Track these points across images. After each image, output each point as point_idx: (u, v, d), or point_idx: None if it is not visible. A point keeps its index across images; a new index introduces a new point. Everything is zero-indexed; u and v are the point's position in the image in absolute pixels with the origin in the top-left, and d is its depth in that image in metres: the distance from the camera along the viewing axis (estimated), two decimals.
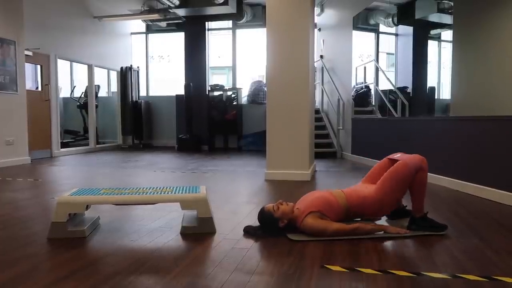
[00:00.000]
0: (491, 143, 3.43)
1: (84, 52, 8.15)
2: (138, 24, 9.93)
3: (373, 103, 6.73)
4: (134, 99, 9.30)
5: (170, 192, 2.45)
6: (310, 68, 4.52)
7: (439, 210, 3.02)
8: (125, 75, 9.17)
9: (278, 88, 4.50)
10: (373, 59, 6.84)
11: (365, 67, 6.97)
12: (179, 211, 2.58)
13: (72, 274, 1.80)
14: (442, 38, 5.57)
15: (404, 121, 5.18)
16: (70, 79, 10.13)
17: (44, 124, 7.09)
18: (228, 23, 9.48)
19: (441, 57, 5.54)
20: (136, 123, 9.29)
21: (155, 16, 8.36)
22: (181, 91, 8.79)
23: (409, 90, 5.78)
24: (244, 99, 9.34)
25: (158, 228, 2.54)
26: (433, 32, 5.72)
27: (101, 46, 8.77)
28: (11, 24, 5.93)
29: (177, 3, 7.96)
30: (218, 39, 10.01)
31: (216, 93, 9.08)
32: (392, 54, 6.66)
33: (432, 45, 5.87)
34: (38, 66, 7.13)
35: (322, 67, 8.50)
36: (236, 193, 3.93)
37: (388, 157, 2.61)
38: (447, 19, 5.21)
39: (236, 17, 8.71)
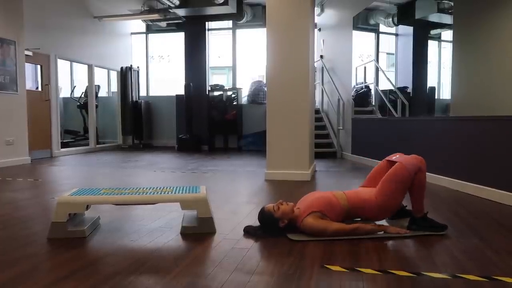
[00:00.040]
0: (491, 143, 3.43)
1: (84, 52, 8.16)
2: (138, 24, 9.93)
3: (373, 103, 6.73)
4: (134, 99, 9.31)
5: (170, 192, 2.45)
6: (310, 68, 4.52)
7: (439, 210, 3.02)
8: (125, 75, 9.17)
9: (278, 88, 4.50)
10: (373, 59, 6.84)
11: (365, 67, 6.97)
12: (179, 211, 2.58)
13: (72, 274, 1.80)
14: (442, 38, 5.57)
15: (404, 121, 5.18)
16: (70, 79, 10.13)
17: (44, 124, 7.09)
18: (228, 23, 9.48)
19: (441, 57, 5.54)
20: (136, 123, 9.29)
21: (155, 16, 8.37)
22: (181, 91, 8.79)
23: (409, 90, 5.78)
24: (244, 99, 9.34)
25: (158, 228, 2.54)
26: (433, 32, 5.71)
27: (101, 46, 8.77)
28: (11, 24, 5.93)
29: (177, 3, 7.96)
30: (218, 39, 10.01)
31: (216, 93, 9.08)
32: (392, 54, 6.66)
33: (432, 45, 5.87)
34: (38, 66, 7.13)
35: (322, 67, 8.50)
36: (236, 193, 3.93)
37: (386, 158, 2.61)
38: (447, 19, 5.21)
39: (236, 17, 8.71)
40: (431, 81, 5.76)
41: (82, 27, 8.11)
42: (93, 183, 4.51)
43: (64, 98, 9.33)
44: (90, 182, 4.60)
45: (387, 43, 6.90)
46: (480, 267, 1.88)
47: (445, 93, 5.38)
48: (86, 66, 8.46)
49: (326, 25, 8.54)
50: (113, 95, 9.85)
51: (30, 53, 6.53)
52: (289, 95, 4.47)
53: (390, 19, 6.39)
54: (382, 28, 6.83)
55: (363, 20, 6.79)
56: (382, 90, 6.33)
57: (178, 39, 9.50)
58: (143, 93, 9.96)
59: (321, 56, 8.59)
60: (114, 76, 9.55)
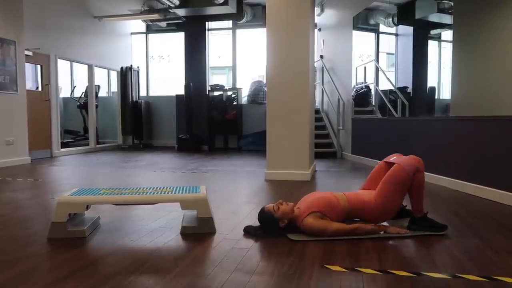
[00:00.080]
0: (491, 143, 3.43)
1: (84, 52, 8.16)
2: (138, 24, 9.93)
3: (373, 103, 6.73)
4: (134, 99, 9.31)
5: (170, 192, 2.45)
6: (310, 68, 4.52)
7: (439, 210, 3.02)
8: (125, 75, 9.17)
9: (278, 88, 4.50)
10: (373, 59, 6.84)
11: (365, 67, 6.97)
12: (179, 211, 2.58)
13: (72, 274, 1.80)
14: (442, 38, 5.57)
15: (404, 121, 5.18)
16: (70, 79, 10.13)
17: (44, 124, 7.09)
18: (228, 23, 9.48)
19: (441, 57, 5.54)
20: (136, 123, 9.29)
21: (155, 16, 8.37)
22: (181, 91, 8.79)
23: (409, 90, 5.78)
24: (244, 99, 9.34)
25: (158, 228, 2.54)
26: (433, 32, 5.71)
27: (101, 46, 8.77)
28: (11, 24, 5.93)
29: (177, 3, 7.96)
30: (218, 39, 10.01)
31: (216, 93, 9.08)
32: (392, 54, 6.66)
33: (432, 45, 5.87)
34: (38, 66, 7.13)
35: (322, 67, 8.50)
36: (236, 193, 3.93)
37: (384, 160, 2.61)
38: (447, 19, 5.21)
39: (236, 17, 8.71)
40: (431, 81, 5.76)
41: (82, 27, 8.11)
42: (93, 183, 4.51)
43: (64, 98, 9.33)
44: (90, 182, 4.60)
45: (387, 43, 6.90)
46: (480, 267, 1.88)
47: (445, 93, 5.38)
48: (86, 66, 8.46)
49: (326, 25, 8.54)
50: (113, 95, 9.85)
51: (30, 53, 6.53)
52: (289, 95, 4.47)
53: (390, 19, 6.39)
54: (382, 28, 6.83)
55: (363, 20, 6.79)
56: (382, 90, 6.33)
57: (178, 39, 9.50)
58: (143, 93, 9.96)
59: (321, 56, 8.59)
60: (114, 76, 9.55)
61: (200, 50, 8.92)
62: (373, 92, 6.77)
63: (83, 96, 9.04)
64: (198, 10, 8.29)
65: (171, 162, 6.37)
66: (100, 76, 9.24)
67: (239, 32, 9.51)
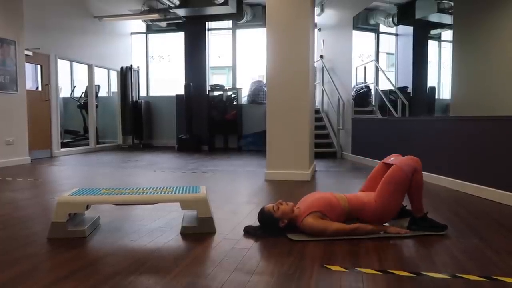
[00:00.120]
0: (491, 143, 3.43)
1: (84, 52, 8.16)
2: (138, 24, 9.93)
3: (373, 103, 6.73)
4: (134, 99, 9.31)
5: (170, 192, 2.45)
6: (310, 68, 4.52)
7: (439, 210, 3.02)
8: (125, 75, 9.17)
9: (278, 88, 4.50)
10: (373, 59, 6.84)
11: (365, 67, 6.97)
12: (179, 211, 2.58)
13: (72, 274, 1.80)
14: (442, 38, 5.57)
15: (404, 121, 5.18)
16: (70, 79, 10.14)
17: (44, 124, 7.09)
18: (228, 23, 9.48)
19: (441, 57, 5.54)
20: (136, 123, 9.29)
21: (155, 16, 8.37)
22: (181, 91, 8.79)
23: (409, 90, 5.78)
24: (244, 99, 9.34)
25: (158, 228, 2.54)
26: (433, 32, 5.71)
27: (101, 46, 8.77)
28: (11, 24, 5.93)
29: (177, 3, 7.97)
30: (218, 39, 10.01)
31: (216, 93, 9.08)
32: (392, 54, 6.66)
33: (432, 45, 5.87)
34: (38, 66, 7.13)
35: (322, 67, 8.50)
36: (236, 193, 3.93)
37: (382, 161, 2.61)
38: (447, 19, 5.21)
39: (236, 17, 8.71)
40: (431, 81, 5.76)
41: (82, 27, 8.11)
42: (93, 183, 4.51)
43: (64, 98, 9.33)
44: (90, 182, 4.60)
45: (387, 43, 6.90)
46: (480, 267, 1.88)
47: (445, 93, 5.38)
48: (86, 66, 8.46)
49: (326, 25, 8.54)
50: (113, 95, 9.85)
51: (30, 53, 6.53)
52: (289, 95, 4.47)
53: (390, 19, 6.39)
54: (382, 28, 6.83)
55: (363, 20, 6.79)
56: (382, 90, 6.33)
57: (178, 39, 9.50)
58: (143, 93, 9.96)
59: (321, 56, 8.59)
60: (114, 76, 9.55)
61: (200, 50, 8.92)
62: (373, 92, 6.77)
63: (83, 96, 9.04)
64: (198, 10, 8.30)
65: (171, 162, 6.37)
66: (100, 76, 9.24)
67: (239, 32, 9.51)
